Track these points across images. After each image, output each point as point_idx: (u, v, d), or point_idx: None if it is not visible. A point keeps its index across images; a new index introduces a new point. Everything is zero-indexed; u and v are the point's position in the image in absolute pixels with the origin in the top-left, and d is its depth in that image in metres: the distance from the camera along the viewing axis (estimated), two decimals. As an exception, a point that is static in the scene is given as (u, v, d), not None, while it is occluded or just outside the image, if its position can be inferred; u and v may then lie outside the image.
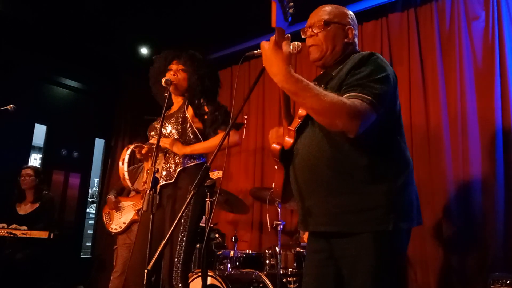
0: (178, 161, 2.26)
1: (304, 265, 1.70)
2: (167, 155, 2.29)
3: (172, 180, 2.23)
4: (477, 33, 3.43)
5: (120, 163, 2.33)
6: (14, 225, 3.76)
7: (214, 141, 2.25)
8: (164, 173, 2.26)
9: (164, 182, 2.24)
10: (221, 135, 2.25)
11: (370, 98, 1.34)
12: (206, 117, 2.34)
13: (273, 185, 1.70)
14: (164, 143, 2.26)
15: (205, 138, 2.35)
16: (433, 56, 3.60)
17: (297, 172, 1.54)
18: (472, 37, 3.44)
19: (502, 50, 3.26)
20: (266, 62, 1.35)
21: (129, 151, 2.34)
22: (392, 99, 1.47)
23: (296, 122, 1.58)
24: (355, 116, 1.31)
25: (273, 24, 1.28)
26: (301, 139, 1.54)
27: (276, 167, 1.64)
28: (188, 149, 2.27)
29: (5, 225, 3.64)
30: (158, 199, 2.24)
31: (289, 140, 1.57)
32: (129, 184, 2.36)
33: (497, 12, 3.35)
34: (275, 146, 1.59)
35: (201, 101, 2.35)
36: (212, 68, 2.48)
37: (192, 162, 2.29)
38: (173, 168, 2.26)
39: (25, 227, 3.78)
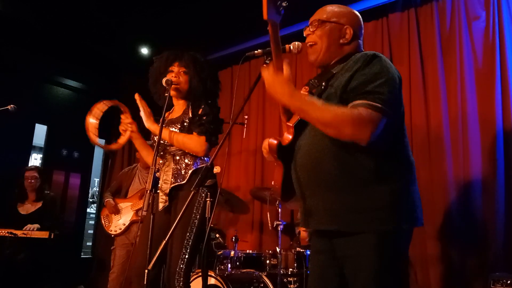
0: (189, 162, 2.24)
1: (309, 264, 1.69)
2: (176, 157, 2.28)
3: (184, 181, 2.21)
4: (477, 33, 3.42)
5: (92, 118, 2.47)
6: (29, 226, 3.76)
7: (182, 138, 2.23)
8: (175, 175, 2.24)
9: (176, 184, 2.22)
10: (190, 136, 2.23)
11: (379, 105, 1.34)
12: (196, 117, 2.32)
13: (272, 183, 1.69)
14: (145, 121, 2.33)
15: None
16: (434, 56, 3.59)
17: (298, 169, 1.52)
18: (473, 37, 3.44)
19: (503, 50, 3.26)
20: (270, 89, 1.42)
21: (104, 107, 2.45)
22: (398, 100, 1.46)
23: (295, 118, 1.57)
24: (361, 124, 1.32)
25: (265, 16, 1.29)
26: (303, 135, 1.54)
27: (275, 163, 1.61)
28: (157, 128, 2.27)
29: (12, 230, 3.64)
30: (167, 200, 2.23)
31: (288, 136, 1.56)
32: (94, 138, 2.50)
33: (498, 12, 3.34)
34: (272, 141, 1.56)
35: (201, 103, 2.33)
36: (214, 70, 2.48)
37: (203, 164, 2.26)
38: (184, 169, 2.24)
39: (37, 225, 3.79)
